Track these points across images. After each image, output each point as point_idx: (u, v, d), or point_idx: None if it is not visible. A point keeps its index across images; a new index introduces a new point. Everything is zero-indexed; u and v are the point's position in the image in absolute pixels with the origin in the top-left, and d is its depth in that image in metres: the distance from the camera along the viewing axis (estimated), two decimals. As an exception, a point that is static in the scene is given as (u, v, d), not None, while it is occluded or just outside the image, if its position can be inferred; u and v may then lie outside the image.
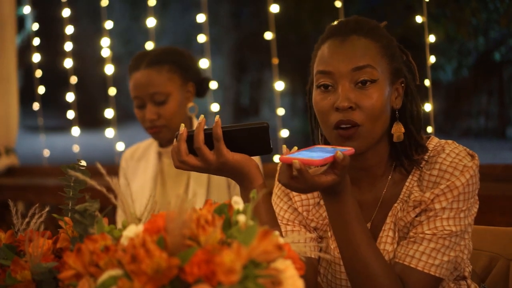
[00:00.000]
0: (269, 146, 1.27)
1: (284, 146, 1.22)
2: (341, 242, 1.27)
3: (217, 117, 1.25)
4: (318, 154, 1.15)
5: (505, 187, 2.33)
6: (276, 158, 2.93)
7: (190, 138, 1.26)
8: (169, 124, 2.14)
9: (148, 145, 2.32)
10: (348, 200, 1.23)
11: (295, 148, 1.22)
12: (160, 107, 2.12)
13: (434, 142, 1.36)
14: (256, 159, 2.04)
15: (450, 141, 1.35)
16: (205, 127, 1.27)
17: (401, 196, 1.36)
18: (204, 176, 2.17)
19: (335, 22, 1.41)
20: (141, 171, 2.29)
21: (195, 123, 2.24)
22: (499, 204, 2.20)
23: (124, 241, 0.85)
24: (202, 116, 1.27)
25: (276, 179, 1.30)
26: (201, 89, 2.26)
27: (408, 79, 1.38)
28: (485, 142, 3.88)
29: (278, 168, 1.33)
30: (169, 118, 2.13)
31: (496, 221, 2.14)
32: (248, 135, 1.26)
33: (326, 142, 1.39)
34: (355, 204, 1.25)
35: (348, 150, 1.18)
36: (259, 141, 1.25)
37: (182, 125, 1.28)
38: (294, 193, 1.44)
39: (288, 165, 1.15)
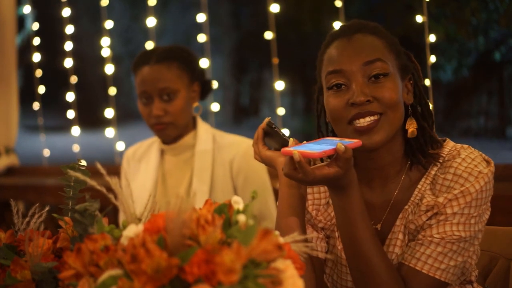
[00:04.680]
0: None
1: (291, 139, 1.23)
2: (345, 238, 1.27)
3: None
4: (321, 146, 1.17)
5: (505, 187, 2.32)
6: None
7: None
8: (175, 121, 2.13)
9: (151, 143, 2.30)
10: (353, 195, 1.22)
11: (304, 142, 1.24)
12: (167, 103, 2.10)
13: (449, 146, 1.34)
14: None
15: (465, 146, 1.34)
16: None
17: (412, 199, 1.34)
18: (207, 174, 2.15)
19: (337, 28, 1.41)
20: (142, 170, 2.27)
21: (200, 123, 2.24)
22: (499, 204, 2.19)
23: (124, 241, 0.84)
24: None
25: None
26: (204, 91, 2.26)
27: (415, 76, 1.38)
28: (485, 142, 3.87)
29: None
30: (176, 115, 2.11)
31: (496, 221, 2.13)
32: None
33: None
34: (361, 200, 1.24)
35: (355, 142, 1.18)
36: None
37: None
38: (308, 191, 1.43)
39: (291, 157, 1.18)
